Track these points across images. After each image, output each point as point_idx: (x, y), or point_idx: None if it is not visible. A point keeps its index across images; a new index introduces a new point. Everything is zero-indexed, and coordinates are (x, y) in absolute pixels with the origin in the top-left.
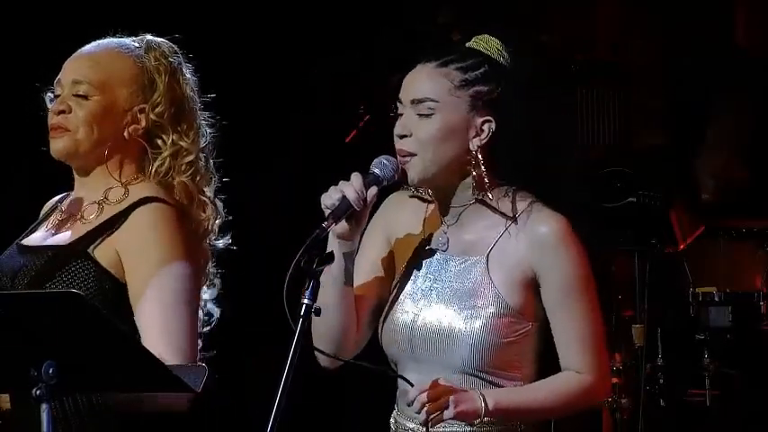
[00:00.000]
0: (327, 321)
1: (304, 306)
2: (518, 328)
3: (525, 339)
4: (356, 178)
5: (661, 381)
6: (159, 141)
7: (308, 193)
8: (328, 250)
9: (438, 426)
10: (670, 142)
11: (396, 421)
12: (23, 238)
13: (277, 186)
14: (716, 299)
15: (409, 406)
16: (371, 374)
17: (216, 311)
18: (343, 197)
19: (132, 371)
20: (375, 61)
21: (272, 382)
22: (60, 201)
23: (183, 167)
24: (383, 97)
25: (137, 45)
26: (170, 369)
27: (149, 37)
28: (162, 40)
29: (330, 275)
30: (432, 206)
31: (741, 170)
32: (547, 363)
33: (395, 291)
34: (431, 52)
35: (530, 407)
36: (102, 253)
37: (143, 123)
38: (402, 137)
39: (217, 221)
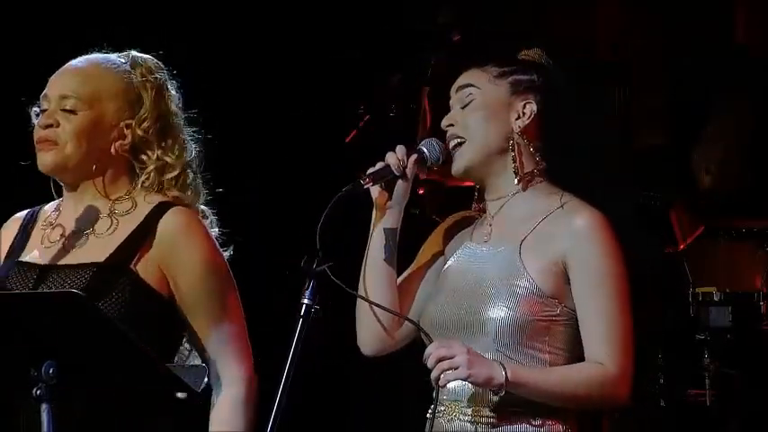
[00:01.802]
0: (371, 296)
1: (304, 306)
2: (547, 309)
3: (555, 325)
4: (400, 148)
5: (661, 381)
6: (144, 157)
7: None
8: (371, 225)
9: (480, 417)
10: (670, 142)
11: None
12: (18, 255)
13: (277, 187)
14: (716, 299)
15: (424, 362)
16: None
17: None
18: (387, 164)
19: (132, 371)
20: (375, 61)
21: (272, 382)
22: (32, 215)
23: (172, 182)
24: (383, 97)
25: (123, 61)
26: (170, 369)
27: (134, 53)
28: (147, 56)
29: (372, 251)
30: (481, 217)
31: (739, 167)
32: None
33: (437, 286)
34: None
35: (548, 387)
36: (143, 269)
37: (129, 138)
38: (448, 126)
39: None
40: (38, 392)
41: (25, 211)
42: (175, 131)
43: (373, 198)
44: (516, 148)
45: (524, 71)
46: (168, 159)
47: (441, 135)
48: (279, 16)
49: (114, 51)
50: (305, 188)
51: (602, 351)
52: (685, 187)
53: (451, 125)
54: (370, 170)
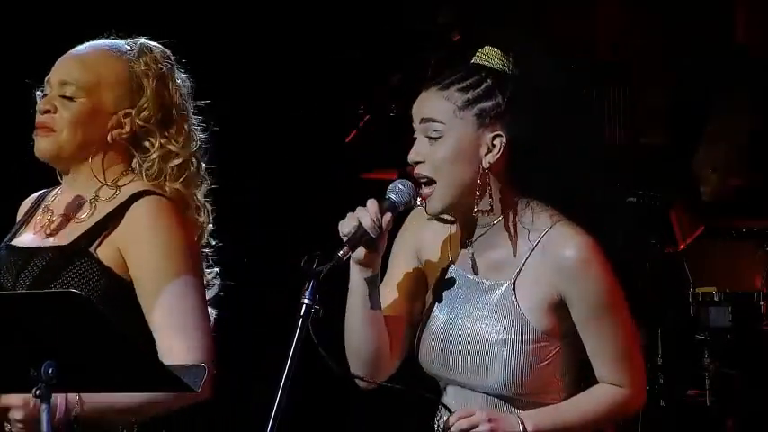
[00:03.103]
0: (360, 346)
1: (304, 306)
2: (549, 351)
3: (558, 357)
4: (372, 205)
5: (661, 381)
6: (147, 144)
7: (308, 193)
8: (350, 277)
9: None
10: (670, 142)
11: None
12: (11, 239)
13: (277, 187)
14: (716, 299)
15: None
16: (410, 397)
17: (213, 313)
18: (359, 225)
19: (132, 371)
20: (375, 61)
21: (272, 382)
22: (40, 198)
23: (174, 172)
24: (383, 97)
25: (129, 48)
26: (170, 369)
27: (143, 41)
28: (155, 44)
29: (355, 301)
30: (454, 225)
31: (740, 168)
32: (584, 368)
33: (426, 313)
34: (435, 75)
35: (568, 425)
36: (104, 251)
37: (127, 128)
38: (416, 163)
39: (209, 226)
40: (38, 392)
41: (39, 192)
42: (180, 121)
43: (355, 260)
44: (488, 182)
45: (488, 94)
46: (172, 148)
47: None
48: (279, 16)
49: (121, 37)
50: (305, 188)
51: (616, 374)
52: (685, 187)
53: (419, 162)
54: (345, 232)
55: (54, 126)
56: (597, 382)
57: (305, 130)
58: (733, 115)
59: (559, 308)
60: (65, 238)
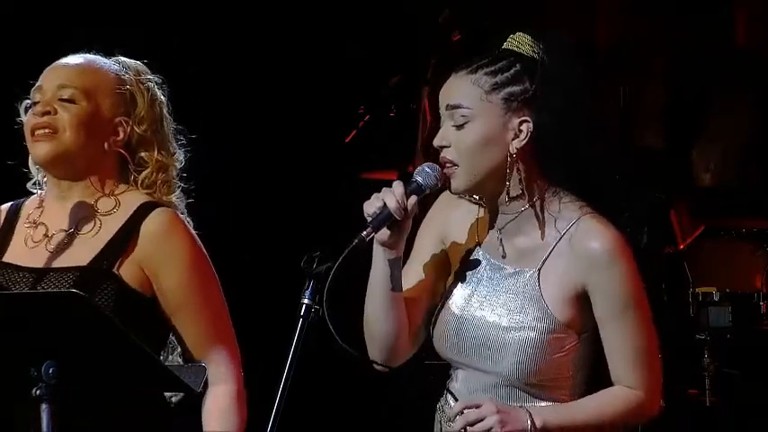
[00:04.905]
0: (378, 328)
1: (304, 306)
2: (566, 342)
3: (575, 349)
4: (398, 186)
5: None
6: (145, 154)
7: (308, 194)
8: (373, 258)
9: None
10: (670, 142)
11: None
12: (2, 253)
13: (277, 187)
14: (716, 299)
15: (450, 421)
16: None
17: None
18: (384, 206)
19: (132, 371)
20: (375, 61)
21: (272, 382)
22: (14, 212)
23: (167, 183)
24: (383, 97)
25: (114, 62)
26: (170, 369)
27: (123, 58)
28: (136, 61)
29: (377, 283)
30: (483, 209)
31: (739, 166)
32: (598, 368)
33: (447, 293)
34: (463, 59)
35: (577, 424)
36: (126, 271)
37: (121, 135)
38: (442, 147)
39: None
40: (38, 392)
41: (9, 204)
42: (168, 135)
43: (378, 242)
44: (517, 168)
45: (517, 79)
46: (165, 161)
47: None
48: (279, 16)
49: (101, 54)
50: (305, 188)
51: (632, 376)
52: (685, 187)
53: (445, 146)
54: (369, 213)
55: (56, 126)
56: (611, 385)
57: (305, 130)
58: (732, 115)
59: (582, 300)
60: (79, 257)
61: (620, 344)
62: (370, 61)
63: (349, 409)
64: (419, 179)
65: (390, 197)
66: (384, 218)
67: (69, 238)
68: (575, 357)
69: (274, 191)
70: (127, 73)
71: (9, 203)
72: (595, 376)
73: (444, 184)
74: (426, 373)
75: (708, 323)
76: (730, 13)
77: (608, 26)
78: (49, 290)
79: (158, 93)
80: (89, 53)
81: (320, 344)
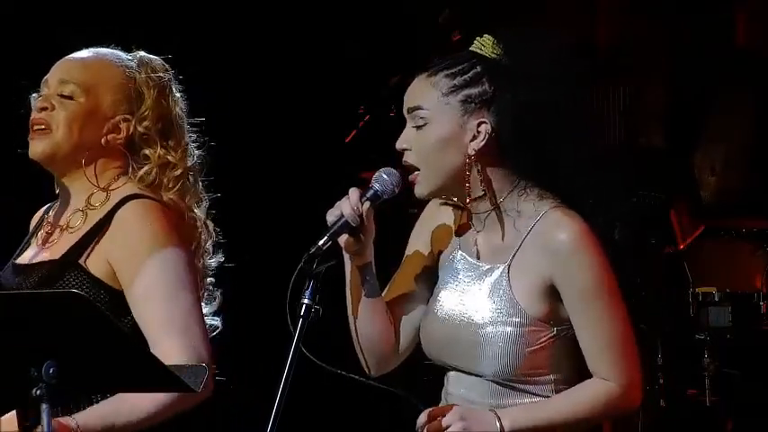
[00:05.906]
0: (360, 333)
1: (304, 306)
2: (542, 335)
3: (553, 344)
4: (353, 193)
5: (661, 381)
6: (148, 151)
7: (308, 194)
8: (344, 266)
9: None
10: (670, 142)
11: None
12: (18, 256)
13: (277, 187)
14: (716, 299)
15: None
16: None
17: (218, 324)
18: (341, 214)
19: (132, 371)
20: (375, 61)
21: (272, 382)
22: (47, 212)
23: (171, 182)
24: (383, 97)
25: (129, 58)
26: (170, 369)
27: (142, 53)
28: (154, 57)
29: (350, 290)
30: (464, 212)
31: (742, 167)
32: (582, 366)
33: (432, 296)
34: (426, 62)
35: (551, 422)
36: (93, 263)
37: (123, 133)
38: (403, 150)
39: (210, 241)
40: (38, 392)
41: (48, 204)
42: (179, 133)
43: (344, 249)
44: (477, 169)
45: (475, 80)
46: (170, 159)
47: None
48: (279, 16)
49: (122, 50)
50: (305, 188)
51: (604, 367)
52: (685, 187)
53: (406, 149)
54: (330, 221)
55: (50, 124)
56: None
57: (305, 130)
58: (733, 115)
59: (552, 293)
60: (57, 251)
61: (591, 334)
62: (370, 61)
63: (349, 409)
64: (376, 186)
65: (345, 204)
66: (341, 226)
67: (59, 234)
68: (554, 351)
69: (274, 191)
70: (137, 69)
71: (48, 205)
72: (579, 375)
73: (402, 189)
74: (426, 373)
75: (708, 323)
76: (730, 13)
77: (608, 26)
78: (46, 290)
79: (173, 90)
80: (107, 47)
81: (320, 344)
